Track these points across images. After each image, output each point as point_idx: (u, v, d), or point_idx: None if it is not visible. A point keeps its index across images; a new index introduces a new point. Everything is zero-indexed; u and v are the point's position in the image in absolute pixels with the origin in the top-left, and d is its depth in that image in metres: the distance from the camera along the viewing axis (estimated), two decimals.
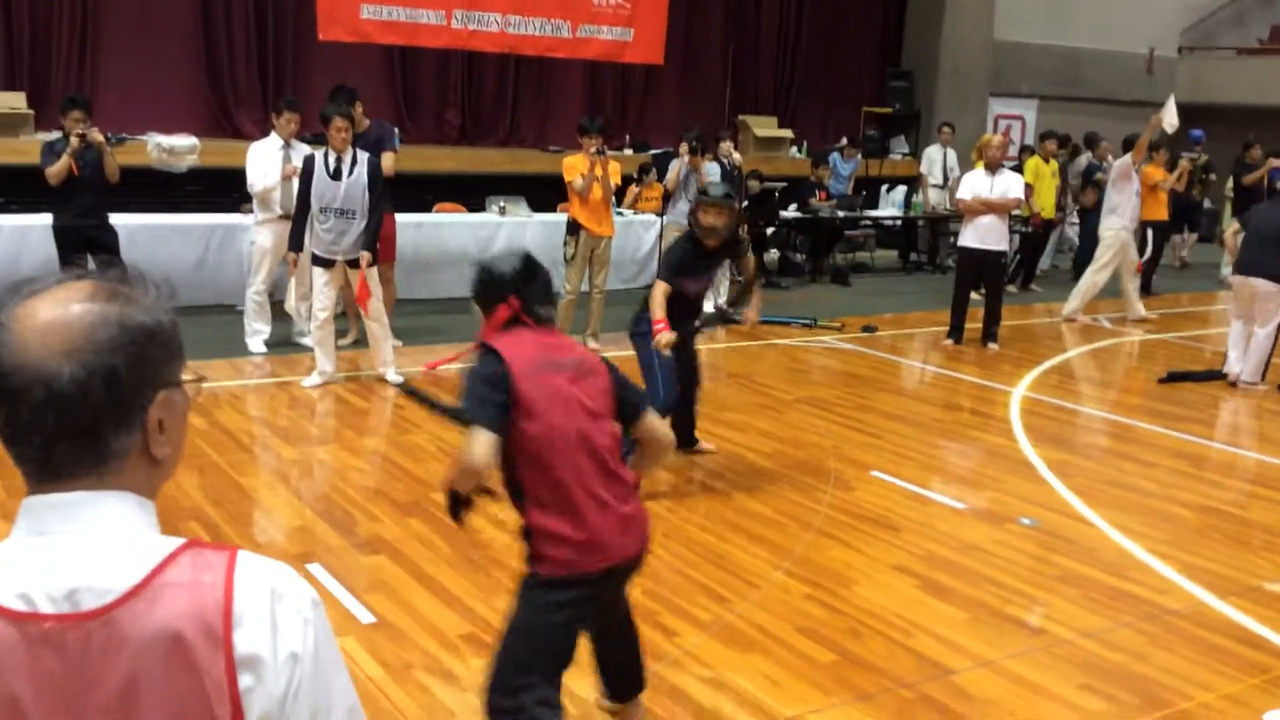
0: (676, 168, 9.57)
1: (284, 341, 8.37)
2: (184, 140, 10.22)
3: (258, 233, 8.18)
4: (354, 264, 7.27)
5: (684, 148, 9.51)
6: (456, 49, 12.35)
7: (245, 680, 1.13)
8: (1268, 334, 8.37)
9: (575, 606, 2.94)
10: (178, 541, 1.18)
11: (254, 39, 11.89)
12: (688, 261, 5.75)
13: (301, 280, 8.35)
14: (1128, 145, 11.40)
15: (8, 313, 1.17)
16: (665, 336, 5.52)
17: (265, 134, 8.31)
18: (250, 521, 5.09)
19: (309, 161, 7.28)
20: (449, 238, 10.74)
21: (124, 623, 1.12)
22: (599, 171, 8.54)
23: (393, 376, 7.47)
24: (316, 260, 7.30)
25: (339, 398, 7.17)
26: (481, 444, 2.80)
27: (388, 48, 12.17)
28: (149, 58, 11.28)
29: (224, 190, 10.12)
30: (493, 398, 2.85)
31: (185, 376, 1.27)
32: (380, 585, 4.42)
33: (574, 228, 8.65)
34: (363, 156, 7.26)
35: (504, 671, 2.91)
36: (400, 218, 8.77)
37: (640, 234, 11.71)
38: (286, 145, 8.06)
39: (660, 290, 5.62)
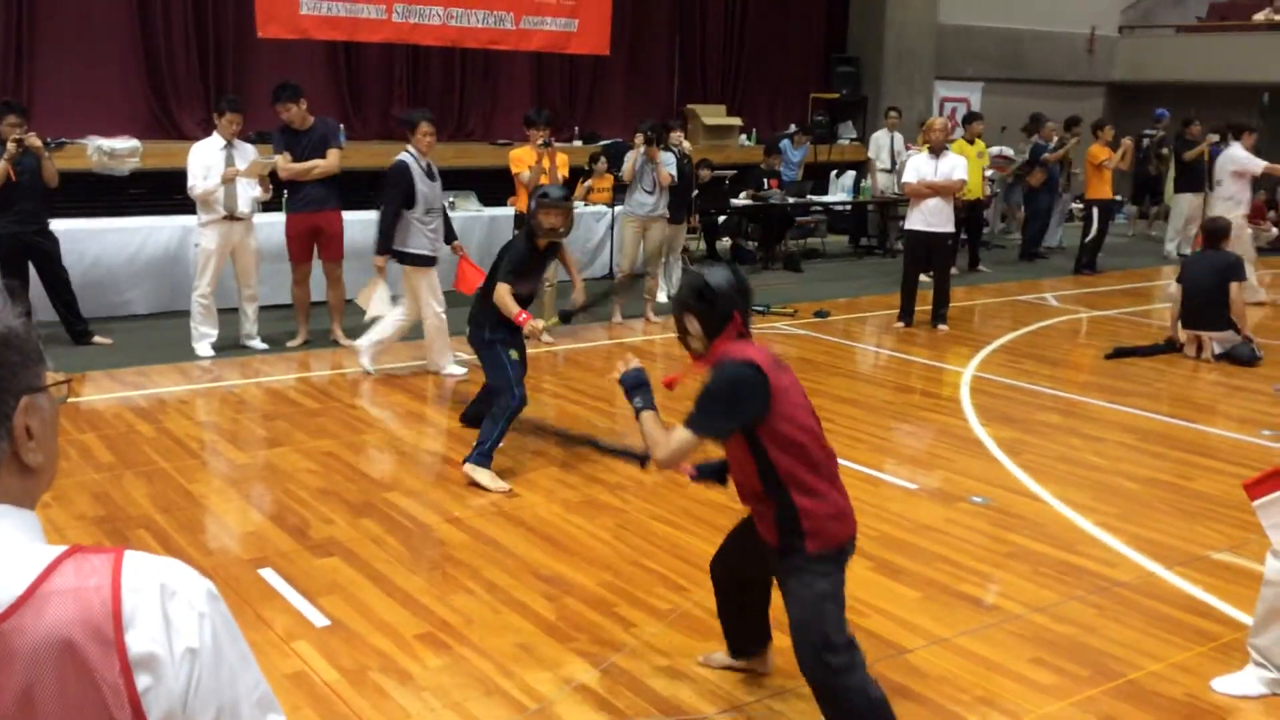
0: (633, 158, 9.55)
1: (232, 345, 8.28)
2: (125, 143, 10.07)
3: (202, 235, 8.07)
4: (432, 261, 7.66)
5: (639, 138, 9.49)
6: (398, 43, 12.25)
7: (143, 681, 1.12)
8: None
9: (837, 571, 3.21)
10: (59, 549, 1.17)
11: (193, 38, 11.71)
12: (526, 262, 5.73)
13: (247, 282, 8.25)
14: (1237, 132, 11.80)
15: None
16: (537, 323, 5.64)
17: (209, 134, 8.20)
18: (200, 528, 5.03)
19: (404, 167, 7.36)
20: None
21: (12, 636, 1.10)
22: (546, 163, 8.52)
23: (456, 369, 7.78)
24: (423, 260, 7.54)
25: (289, 399, 7.11)
26: (686, 447, 3.16)
27: (331, 43, 12.04)
28: (86, 59, 11.07)
29: (168, 192, 9.97)
30: (741, 410, 3.10)
31: (52, 380, 1.25)
32: (334, 587, 4.39)
33: (522, 220, 8.62)
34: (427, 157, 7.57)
35: (825, 635, 3.13)
36: (347, 215, 8.69)
37: (591, 225, 11.69)
38: (229, 145, 7.97)
39: (506, 290, 5.56)
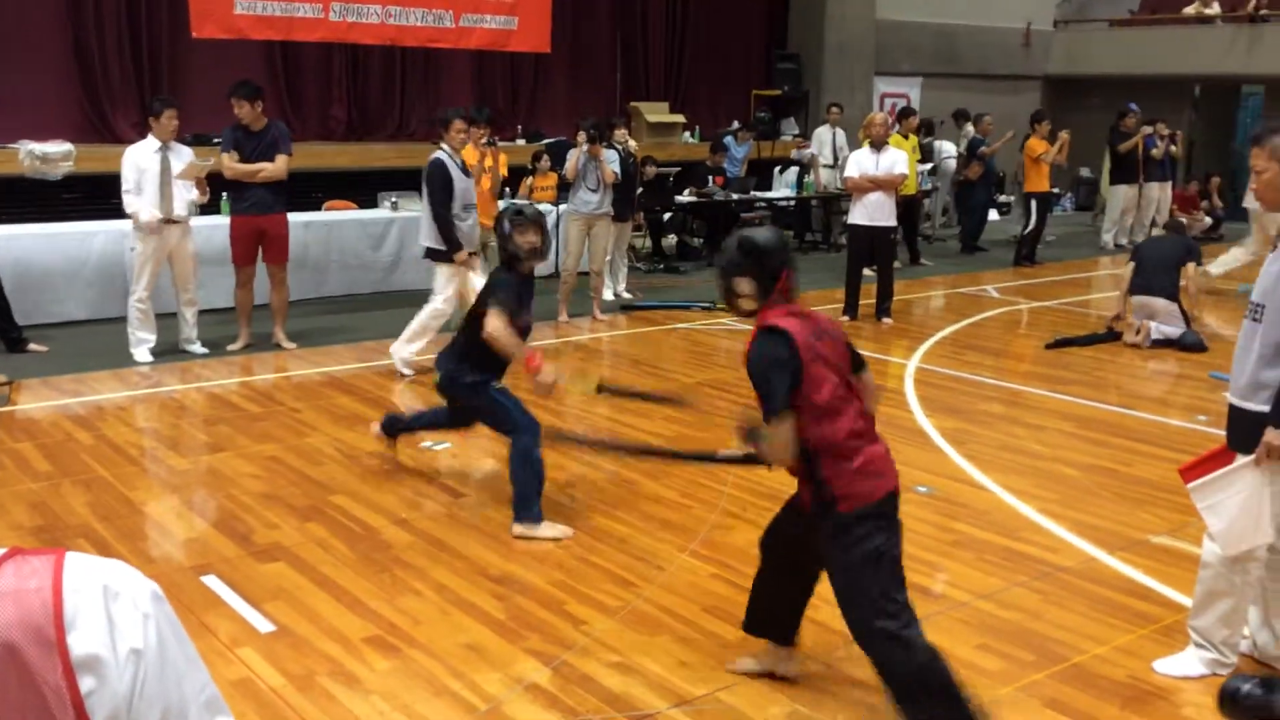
0: (575, 156, 9.52)
1: (171, 350, 8.14)
2: (58, 146, 9.85)
3: (138, 239, 7.92)
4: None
5: (582, 136, 9.46)
6: (336, 42, 12.13)
7: (86, 683, 1.09)
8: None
9: (883, 529, 3.16)
10: None
11: (126, 38, 11.51)
12: (518, 293, 5.00)
13: (185, 286, 8.12)
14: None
15: None
16: (549, 373, 4.89)
17: (143, 137, 8.04)
18: (141, 536, 4.94)
19: (442, 165, 7.50)
20: (340, 236, 10.56)
21: None
22: (489, 162, 8.47)
23: (402, 357, 7.68)
24: (473, 254, 7.66)
25: (231, 404, 7.00)
26: (788, 431, 3.12)
27: (267, 43, 11.90)
28: (17, 62, 10.84)
29: (102, 197, 9.78)
30: (784, 383, 3.10)
31: None
32: (279, 593, 4.33)
33: None
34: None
35: (873, 602, 3.12)
36: (289, 217, 8.57)
37: None
38: (164, 148, 7.83)
39: (504, 323, 4.79)
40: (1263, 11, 17.58)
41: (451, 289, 7.63)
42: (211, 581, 4.40)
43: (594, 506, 5.36)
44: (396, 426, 5.79)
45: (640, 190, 11.60)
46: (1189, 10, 18.67)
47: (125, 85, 11.56)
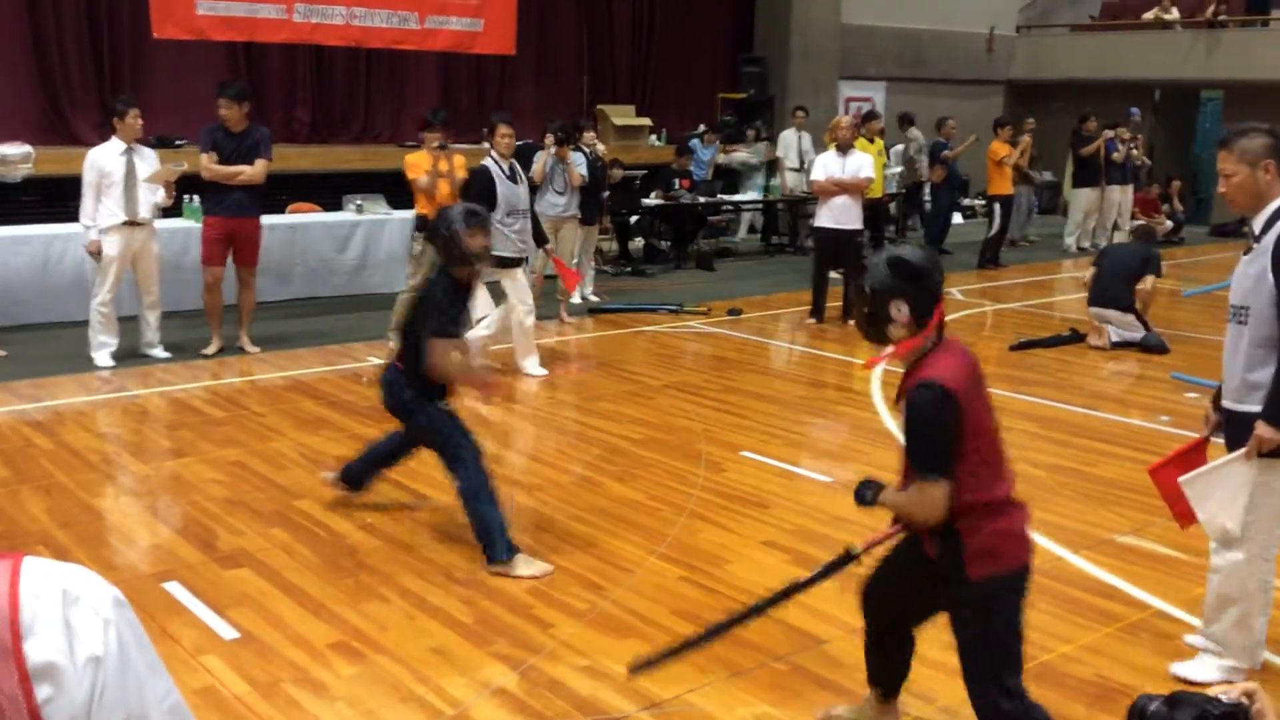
0: (542, 159, 9.48)
1: (131, 354, 8.04)
2: (17, 149, 9.66)
3: (102, 241, 7.82)
4: (516, 263, 7.73)
5: (549, 139, 9.43)
6: (299, 43, 12.03)
7: (43, 691, 1.07)
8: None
9: (1021, 596, 3.02)
10: None
11: (87, 40, 11.36)
12: (456, 304, 4.65)
13: (149, 289, 8.02)
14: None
15: None
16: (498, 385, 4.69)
17: (105, 139, 7.93)
18: (102, 543, 4.87)
19: (486, 173, 7.62)
20: (305, 238, 10.48)
21: None
22: (444, 166, 8.38)
23: (537, 369, 7.89)
24: (506, 262, 7.58)
25: (194, 409, 6.92)
26: (944, 491, 2.87)
27: (230, 44, 11.78)
28: None
29: (63, 199, 9.64)
30: (947, 441, 2.88)
31: None
32: (244, 599, 4.27)
33: (422, 224, 8.45)
34: (514, 164, 7.71)
35: (997, 674, 2.99)
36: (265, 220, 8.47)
37: None
38: (129, 149, 7.73)
39: (446, 349, 4.54)
40: (1221, 17, 17.83)
41: (514, 293, 7.77)
42: (174, 588, 4.34)
43: (562, 510, 5.34)
44: (360, 474, 5.22)
45: (607, 193, 11.58)
46: (1149, 16, 18.90)
47: (85, 86, 11.42)
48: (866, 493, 3.15)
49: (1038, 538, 5.00)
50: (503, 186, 7.61)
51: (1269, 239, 3.54)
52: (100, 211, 7.71)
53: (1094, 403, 7.38)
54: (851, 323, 9.75)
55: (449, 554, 4.76)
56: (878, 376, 8.03)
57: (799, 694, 3.67)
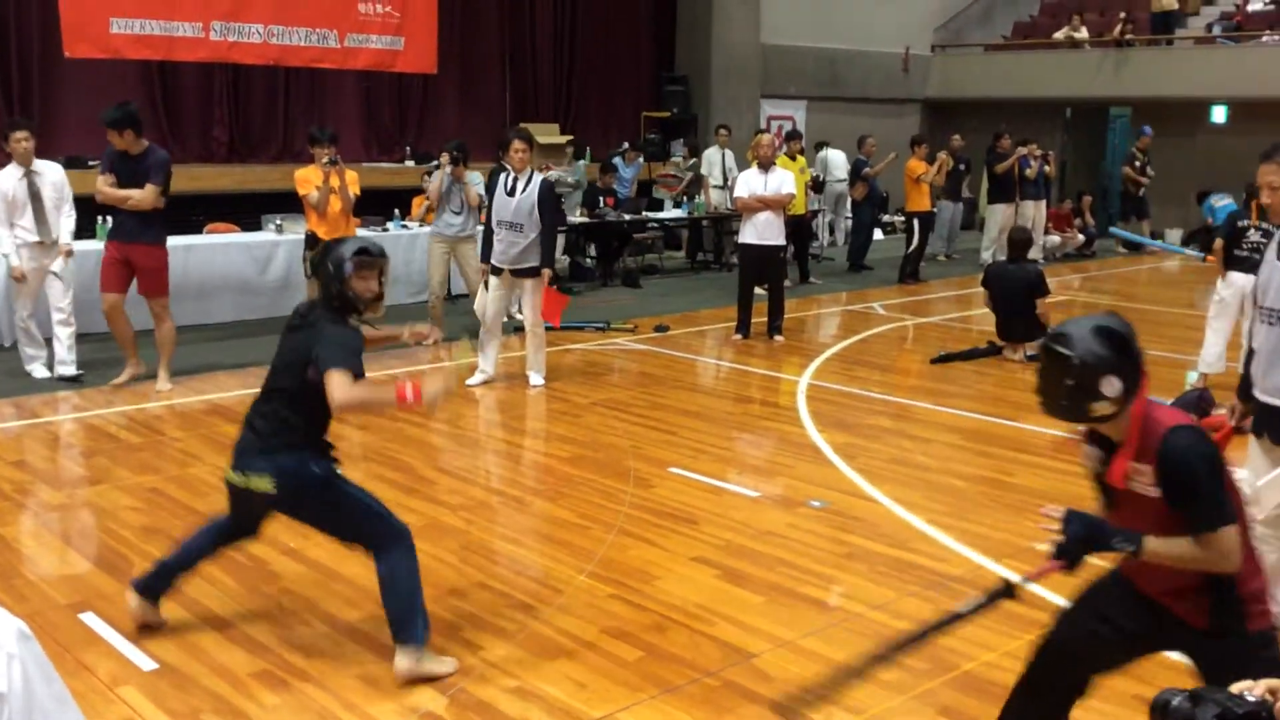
0: (438, 179, 9.36)
1: (44, 377, 7.82)
2: None
3: (14, 259, 7.69)
4: (526, 274, 7.95)
5: (445, 158, 9.31)
6: (217, 62, 11.86)
7: None
8: None
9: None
10: None
11: None
12: (358, 347, 3.85)
13: (59, 308, 7.82)
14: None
15: None
16: (432, 382, 3.78)
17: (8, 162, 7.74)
18: (13, 574, 4.72)
19: (494, 179, 8.03)
20: (224, 260, 10.30)
21: None
22: (335, 182, 8.29)
23: (535, 380, 8.08)
24: (493, 269, 8.01)
25: (110, 435, 6.75)
26: (1237, 541, 2.66)
27: (145, 62, 11.57)
28: None
29: None
30: (1222, 484, 2.69)
31: None
32: (162, 629, 4.17)
33: (313, 241, 8.37)
34: (537, 177, 7.92)
35: None
36: (170, 240, 8.28)
37: (426, 246, 11.53)
38: (29, 172, 7.55)
39: (347, 382, 3.66)
40: (1128, 36, 18.40)
41: (500, 299, 8.08)
42: (90, 619, 4.22)
43: (490, 530, 5.30)
44: (163, 581, 4.13)
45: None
46: (1059, 35, 19.44)
47: None
48: (1099, 541, 2.78)
49: (958, 546, 5.10)
50: (498, 197, 7.92)
51: None
52: (15, 234, 7.61)
53: (1013, 413, 7.52)
54: (778, 338, 9.85)
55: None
56: (803, 391, 8.11)
57: (729, 709, 3.68)
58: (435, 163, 9.84)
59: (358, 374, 3.72)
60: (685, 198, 14.53)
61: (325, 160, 8.27)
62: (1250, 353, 4.18)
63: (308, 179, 8.32)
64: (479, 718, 3.60)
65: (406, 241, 11.27)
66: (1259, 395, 4.03)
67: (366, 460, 6.30)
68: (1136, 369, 2.71)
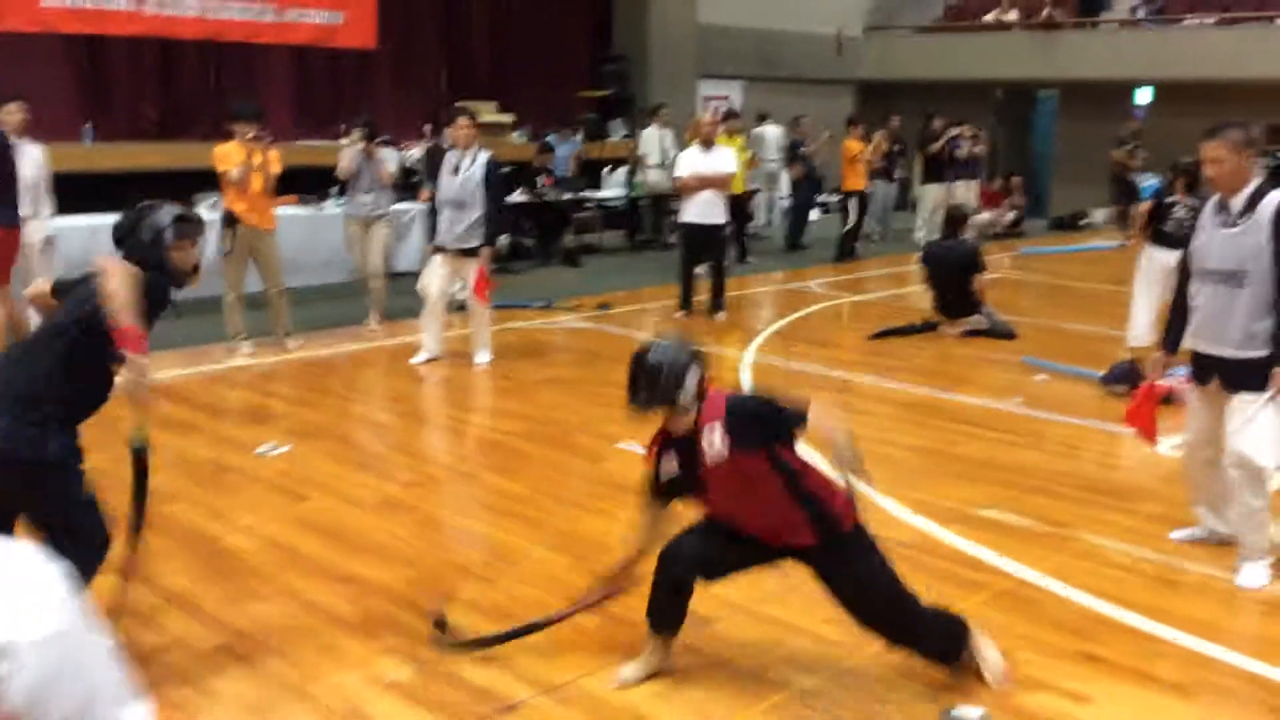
0: (350, 156, 9.11)
1: None
2: None
3: None
4: (470, 253, 7.93)
5: (355, 134, 9.10)
6: (151, 36, 11.62)
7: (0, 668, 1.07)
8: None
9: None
10: None
11: None
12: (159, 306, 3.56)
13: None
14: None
15: None
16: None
17: None
18: None
19: (434, 157, 8.04)
20: None
21: None
22: (257, 159, 8.12)
23: (481, 358, 8.06)
24: (436, 248, 8.13)
25: None
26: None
27: (71, 36, 11.29)
28: None
29: None
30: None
31: None
32: (118, 608, 4.13)
33: (230, 220, 8.18)
34: (482, 156, 7.89)
35: (897, 590, 3.60)
36: (102, 219, 8.12)
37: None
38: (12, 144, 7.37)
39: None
40: (1056, 18, 18.76)
41: (443, 277, 8.09)
42: None
43: (443, 505, 5.32)
44: None
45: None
46: (989, 18, 19.76)
47: None
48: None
49: (906, 514, 5.23)
50: (443, 177, 7.97)
51: (1263, 214, 4.25)
52: None
53: (951, 386, 7.69)
54: (720, 315, 9.93)
55: (330, 553, 4.69)
56: (747, 367, 8.21)
57: (691, 671, 3.75)
58: (344, 140, 9.59)
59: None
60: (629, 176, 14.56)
61: (250, 136, 8.05)
62: (1180, 312, 4.62)
63: (228, 155, 8.09)
64: (445, 685, 3.63)
65: (338, 222, 11.11)
66: (1205, 349, 4.48)
67: (316, 438, 6.27)
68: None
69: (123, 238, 3.62)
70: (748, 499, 3.48)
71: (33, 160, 7.59)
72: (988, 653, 3.74)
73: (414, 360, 7.98)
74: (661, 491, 3.64)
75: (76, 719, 1.14)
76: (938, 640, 3.66)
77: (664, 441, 3.59)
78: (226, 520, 5.03)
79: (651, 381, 3.45)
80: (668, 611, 3.67)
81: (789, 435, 3.46)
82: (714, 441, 3.40)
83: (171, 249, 3.58)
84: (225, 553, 4.67)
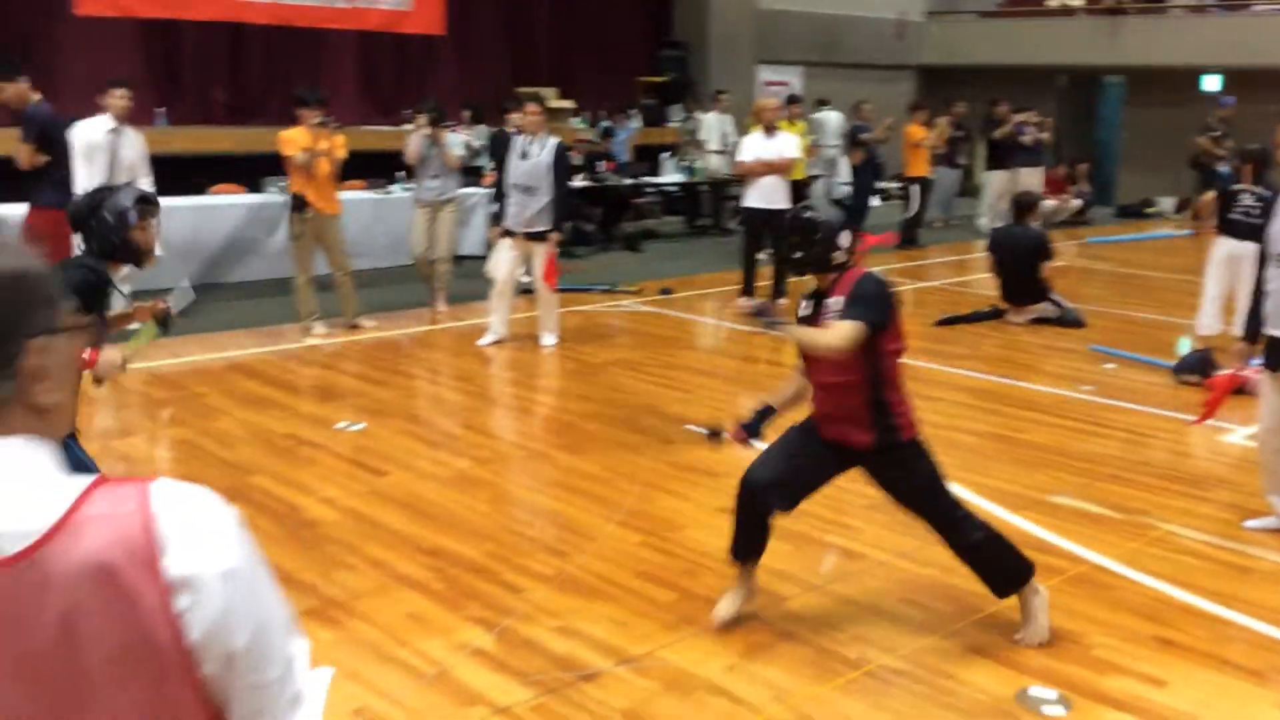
0: (417, 141, 9.17)
1: None
2: None
3: None
4: (537, 238, 8.05)
5: (421, 119, 9.15)
6: (225, 22, 11.83)
7: (182, 602, 1.15)
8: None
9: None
10: (89, 478, 1.19)
11: None
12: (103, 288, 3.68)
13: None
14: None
15: None
16: (115, 353, 3.63)
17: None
18: None
19: (499, 142, 8.24)
20: (233, 221, 10.32)
21: (50, 561, 1.12)
22: (323, 144, 8.21)
23: (548, 340, 8.19)
24: (504, 231, 8.22)
25: (136, 390, 6.83)
26: (856, 333, 3.65)
27: (145, 23, 11.53)
28: None
29: None
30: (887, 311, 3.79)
31: (71, 321, 1.24)
32: None
33: (300, 204, 8.26)
34: (551, 140, 8.02)
35: (949, 496, 3.83)
36: (175, 201, 8.30)
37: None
38: (117, 128, 7.59)
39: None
40: (1122, 4, 18.47)
41: (511, 260, 8.20)
42: None
43: (518, 483, 5.43)
44: None
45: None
46: (1053, 3, 19.50)
47: None
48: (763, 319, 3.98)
49: (977, 499, 5.25)
50: (511, 161, 8.07)
51: None
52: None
53: (1019, 374, 7.67)
54: (782, 301, 9.95)
55: (411, 525, 4.81)
56: None
57: (766, 646, 3.82)
58: (410, 125, 9.61)
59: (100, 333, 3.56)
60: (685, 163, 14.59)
61: (316, 121, 8.17)
62: (1260, 296, 4.56)
63: (293, 140, 8.20)
64: (526, 653, 3.73)
65: (394, 207, 11.27)
66: (1273, 331, 4.47)
67: (388, 415, 6.40)
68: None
69: (83, 220, 3.73)
70: (830, 378, 3.73)
71: (133, 144, 7.79)
72: (1039, 615, 3.84)
73: (481, 342, 8.10)
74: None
75: (250, 650, 1.22)
76: (996, 564, 3.83)
77: (809, 294, 3.88)
78: (309, 492, 5.17)
79: (808, 240, 3.72)
80: (752, 539, 3.93)
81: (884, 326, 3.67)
82: (833, 308, 3.65)
83: (135, 229, 3.72)
84: (309, 523, 4.81)
